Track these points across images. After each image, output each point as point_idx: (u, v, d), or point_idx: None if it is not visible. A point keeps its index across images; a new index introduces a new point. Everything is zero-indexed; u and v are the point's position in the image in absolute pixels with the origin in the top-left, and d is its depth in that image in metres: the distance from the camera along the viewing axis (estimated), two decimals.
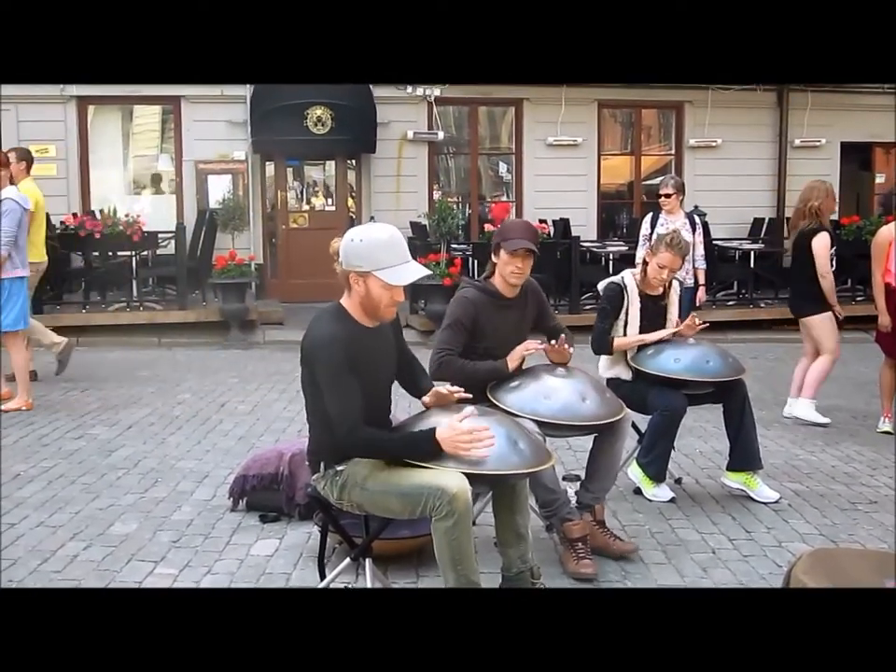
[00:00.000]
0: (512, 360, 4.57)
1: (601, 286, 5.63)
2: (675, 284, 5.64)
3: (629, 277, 5.51)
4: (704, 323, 5.64)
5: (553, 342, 4.69)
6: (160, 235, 12.72)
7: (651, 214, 8.78)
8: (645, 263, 5.51)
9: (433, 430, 3.52)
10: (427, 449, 3.50)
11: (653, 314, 5.52)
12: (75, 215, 12.69)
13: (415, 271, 3.64)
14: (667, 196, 8.54)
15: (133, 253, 12.28)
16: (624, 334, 5.45)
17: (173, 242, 12.48)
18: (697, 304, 9.11)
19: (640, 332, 5.45)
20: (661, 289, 5.55)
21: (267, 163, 14.81)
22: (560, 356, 4.67)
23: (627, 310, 5.45)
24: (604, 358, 5.58)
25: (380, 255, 3.57)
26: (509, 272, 4.59)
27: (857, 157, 16.39)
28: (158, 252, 12.97)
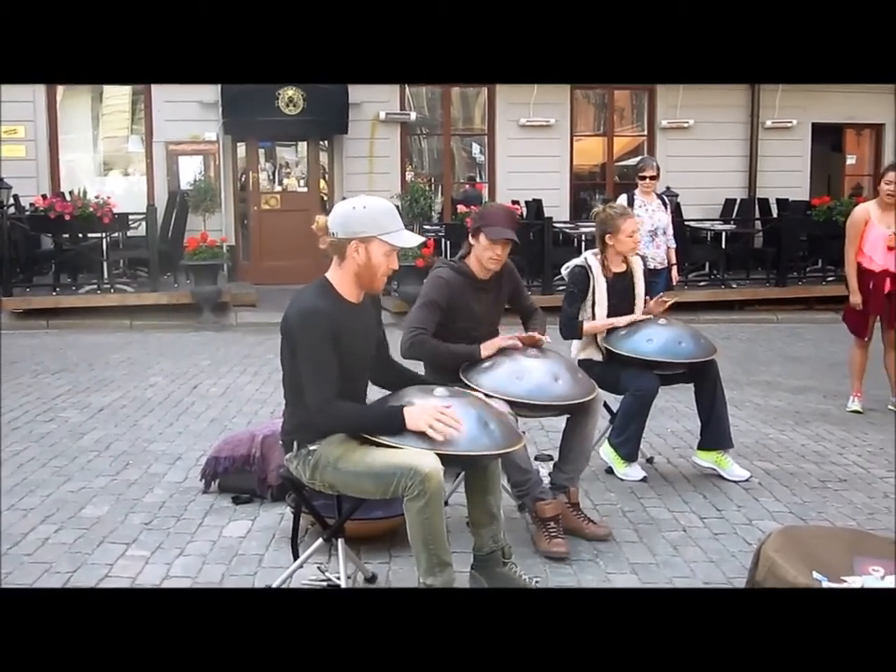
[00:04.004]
0: (486, 350, 4.55)
1: (565, 270, 5.63)
2: (637, 259, 5.65)
3: (591, 258, 5.50)
4: (672, 299, 5.66)
5: (532, 334, 4.70)
6: (130, 217, 12.64)
7: (625, 195, 8.78)
8: (604, 245, 5.48)
9: (402, 407, 3.56)
10: (394, 425, 3.53)
11: (621, 291, 5.52)
12: (44, 196, 12.58)
13: (414, 236, 3.81)
14: (653, 178, 8.55)
15: (104, 235, 12.18)
16: (593, 315, 5.46)
17: (143, 224, 12.39)
18: (673, 284, 9.14)
19: (609, 311, 5.46)
20: (625, 266, 5.55)
21: (238, 144, 14.74)
22: (531, 341, 4.70)
23: (594, 290, 5.46)
24: (575, 340, 5.60)
25: (384, 220, 3.66)
26: (487, 257, 4.60)
27: (828, 138, 16.48)
28: (129, 234, 12.92)
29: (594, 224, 5.89)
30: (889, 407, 7.39)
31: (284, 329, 3.68)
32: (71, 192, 12.81)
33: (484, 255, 4.60)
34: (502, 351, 4.63)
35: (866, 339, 7.38)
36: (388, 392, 3.90)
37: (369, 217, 3.64)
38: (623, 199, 8.67)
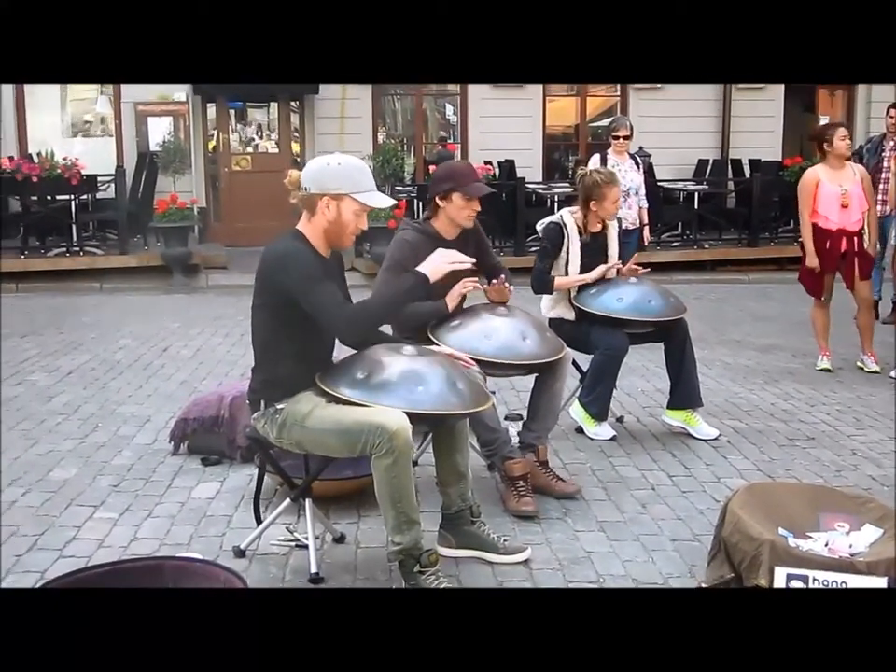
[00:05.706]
0: (451, 300, 4.54)
1: (539, 226, 5.62)
2: (613, 221, 5.65)
3: (567, 216, 5.51)
4: (646, 268, 5.67)
5: (493, 281, 4.69)
6: (99, 179, 12.53)
7: (597, 155, 8.75)
8: (588, 210, 5.47)
9: (416, 272, 3.75)
10: (422, 287, 3.73)
11: (594, 251, 5.52)
12: (11, 158, 12.42)
13: (386, 198, 3.83)
14: (626, 138, 8.55)
15: (73, 197, 12.08)
16: (566, 273, 5.46)
17: (112, 185, 12.28)
18: (644, 244, 9.15)
19: (581, 270, 5.46)
20: (600, 226, 5.55)
21: (208, 105, 14.59)
22: (499, 294, 4.69)
23: (568, 248, 5.45)
24: (546, 298, 5.60)
25: (359, 178, 3.67)
26: (465, 215, 4.56)
27: (801, 98, 16.45)
28: (97, 196, 12.80)
29: (569, 184, 5.87)
30: (858, 364, 7.45)
31: (264, 276, 3.65)
32: (38, 154, 12.65)
33: (461, 213, 4.55)
34: (471, 309, 4.62)
35: (822, 298, 7.42)
36: (354, 351, 3.87)
37: (343, 174, 3.64)
38: (595, 159, 8.64)
